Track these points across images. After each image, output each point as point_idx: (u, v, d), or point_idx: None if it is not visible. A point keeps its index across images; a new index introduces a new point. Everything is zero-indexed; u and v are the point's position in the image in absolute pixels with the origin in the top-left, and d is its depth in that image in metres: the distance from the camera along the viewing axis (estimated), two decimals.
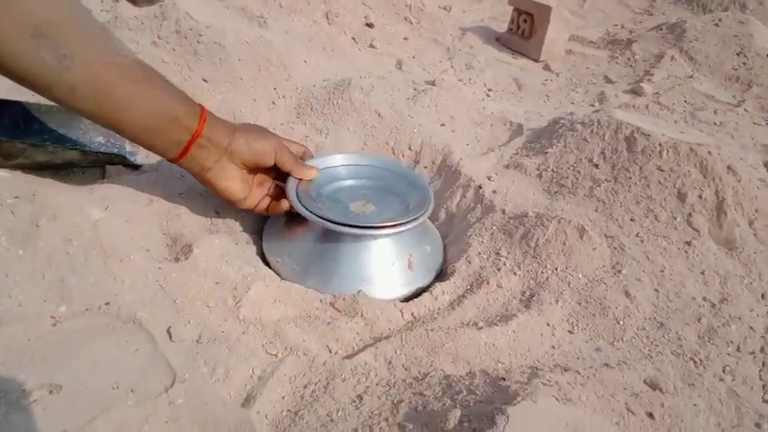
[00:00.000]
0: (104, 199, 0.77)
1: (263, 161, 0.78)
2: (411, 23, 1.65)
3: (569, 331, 0.72)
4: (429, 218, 0.92)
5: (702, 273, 0.78)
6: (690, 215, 0.83)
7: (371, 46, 1.48)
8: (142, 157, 0.90)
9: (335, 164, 0.89)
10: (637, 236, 0.83)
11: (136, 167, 0.88)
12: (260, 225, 0.89)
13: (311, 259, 0.78)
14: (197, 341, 0.64)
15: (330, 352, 0.67)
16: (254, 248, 0.83)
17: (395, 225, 0.76)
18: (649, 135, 0.90)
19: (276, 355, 0.65)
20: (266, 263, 0.81)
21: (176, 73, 1.08)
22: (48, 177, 0.82)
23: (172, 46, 1.12)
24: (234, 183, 0.77)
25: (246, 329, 0.67)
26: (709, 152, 0.86)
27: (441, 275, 0.84)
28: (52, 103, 0.88)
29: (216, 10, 1.31)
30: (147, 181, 0.85)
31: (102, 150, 0.86)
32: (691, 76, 1.37)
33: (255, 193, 0.81)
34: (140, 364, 0.61)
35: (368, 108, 1.07)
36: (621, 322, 0.72)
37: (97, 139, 0.90)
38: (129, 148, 0.91)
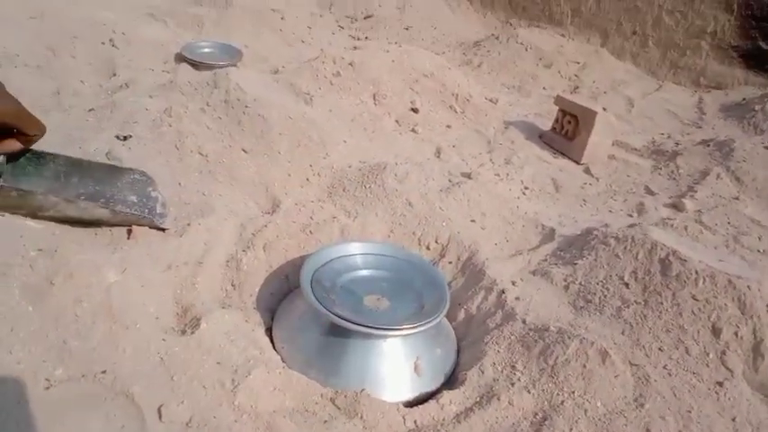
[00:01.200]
0: (123, 261, 0.78)
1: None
2: (456, 112, 1.67)
3: None
4: (447, 316, 0.89)
5: (733, 419, 0.72)
6: (724, 353, 0.78)
7: (413, 131, 1.51)
8: (170, 220, 0.91)
9: (354, 252, 0.88)
10: (664, 368, 0.77)
11: (162, 230, 0.89)
12: (275, 302, 0.88)
13: (317, 351, 0.75)
14: (187, 424, 0.62)
15: None
16: (263, 328, 0.82)
17: (405, 328, 0.74)
18: (686, 260, 0.86)
19: None
20: (274, 346, 0.79)
21: (218, 140, 1.11)
22: (76, 231, 0.83)
23: (218, 114, 1.16)
24: None
25: (239, 418, 0.64)
26: (748, 287, 0.82)
27: (451, 380, 0.80)
28: (95, 159, 0.91)
29: (266, 83, 1.36)
30: (171, 246, 0.85)
31: (132, 211, 0.88)
32: (736, 198, 1.33)
33: None
34: None
35: (399, 195, 1.07)
36: None
37: (130, 198, 0.92)
38: (159, 209, 0.92)
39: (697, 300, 0.82)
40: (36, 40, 1.47)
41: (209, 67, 1.66)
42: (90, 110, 1.17)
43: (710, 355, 0.78)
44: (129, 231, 0.87)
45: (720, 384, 0.76)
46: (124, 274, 0.75)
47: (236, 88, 1.19)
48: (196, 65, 1.69)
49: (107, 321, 0.68)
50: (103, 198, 0.89)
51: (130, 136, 1.07)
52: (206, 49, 1.78)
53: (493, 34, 2.59)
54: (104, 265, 0.74)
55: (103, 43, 1.57)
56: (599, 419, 0.70)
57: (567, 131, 1.58)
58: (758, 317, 0.80)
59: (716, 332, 0.79)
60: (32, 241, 0.76)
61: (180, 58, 1.71)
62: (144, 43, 1.68)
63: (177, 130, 1.10)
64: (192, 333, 0.72)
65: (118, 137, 1.06)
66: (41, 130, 0.80)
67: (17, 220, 0.79)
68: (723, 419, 0.72)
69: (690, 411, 0.72)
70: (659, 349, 0.79)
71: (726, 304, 0.81)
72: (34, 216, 0.81)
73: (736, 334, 0.79)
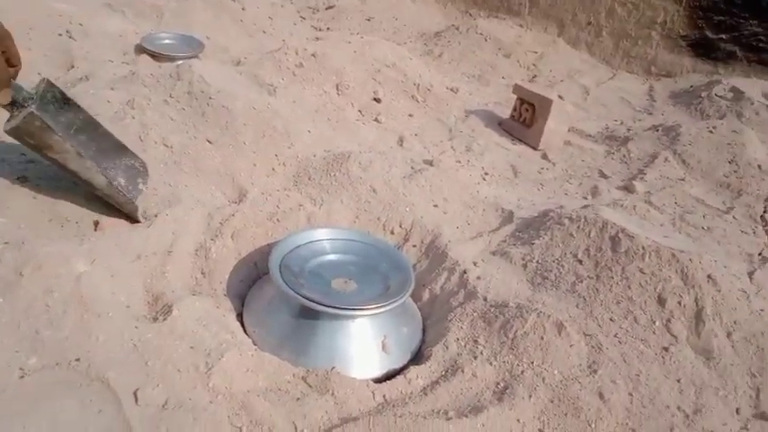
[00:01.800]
0: (92, 252, 0.78)
1: None
2: (417, 101, 1.71)
3: (540, 429, 0.71)
4: (412, 297, 0.93)
5: (678, 381, 0.78)
6: (669, 321, 0.84)
7: (376, 120, 1.53)
8: (140, 214, 0.92)
9: (321, 238, 0.91)
10: (615, 336, 0.83)
11: (136, 222, 0.90)
12: (244, 289, 0.90)
13: (288, 333, 0.78)
14: (163, 406, 0.64)
15: (296, 429, 0.66)
16: (233, 314, 0.84)
17: (372, 308, 0.77)
18: (634, 237, 0.91)
19: (240, 429, 0.64)
20: (245, 330, 0.81)
21: (183, 132, 1.11)
22: (42, 224, 0.84)
23: (182, 106, 1.16)
24: None
25: (214, 399, 0.66)
26: (690, 259, 0.88)
27: (418, 356, 0.84)
28: (109, 129, 0.92)
29: (230, 75, 1.37)
30: (139, 236, 0.86)
31: (124, 192, 0.89)
32: (682, 179, 1.40)
33: None
34: (101, 426, 0.60)
35: (363, 183, 1.10)
36: (593, 425, 0.71)
37: (120, 179, 0.92)
38: (138, 202, 0.92)
39: (644, 273, 0.88)
40: None
41: (170, 58, 1.65)
42: None
43: (657, 324, 0.84)
44: (96, 223, 0.88)
45: (666, 350, 0.81)
46: (93, 264, 0.76)
47: (199, 80, 1.20)
48: (156, 56, 1.67)
49: (78, 310, 0.69)
50: (102, 167, 0.89)
51: None
52: (166, 41, 1.76)
53: (453, 25, 2.63)
54: (73, 256, 0.74)
55: (60, 35, 1.55)
56: (556, 386, 0.75)
57: (524, 119, 1.63)
58: (699, 287, 0.86)
59: (661, 302, 0.85)
60: None
61: (139, 50, 1.70)
62: (102, 35, 1.66)
63: (140, 122, 1.10)
64: (165, 320, 0.73)
65: None
66: (20, 62, 0.86)
67: None
68: (669, 381, 0.78)
69: (639, 375, 0.78)
70: (610, 320, 0.85)
71: (670, 276, 0.87)
72: (39, 151, 0.83)
73: (679, 303, 0.85)
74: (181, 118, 1.13)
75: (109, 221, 0.89)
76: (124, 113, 1.11)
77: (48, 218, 0.86)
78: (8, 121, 0.82)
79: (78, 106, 0.91)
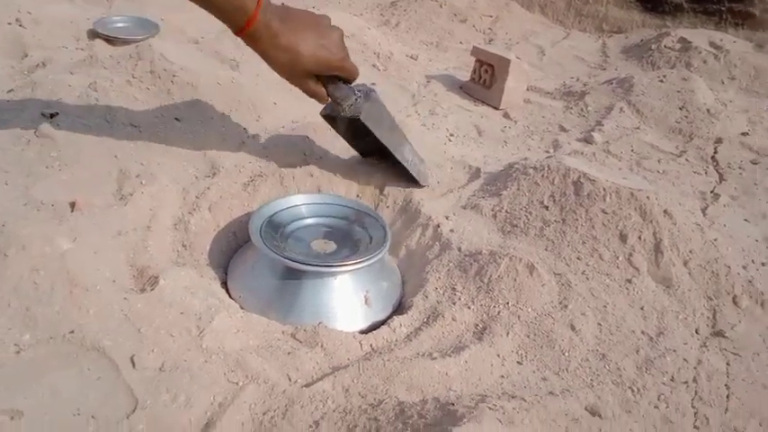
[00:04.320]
0: (73, 231, 0.79)
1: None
2: (379, 70, 1.72)
3: (518, 362, 0.76)
4: (390, 254, 0.97)
5: (642, 308, 0.84)
6: (630, 255, 0.89)
7: None
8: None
9: (298, 203, 0.93)
10: (582, 273, 0.88)
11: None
12: (225, 259, 0.92)
13: (273, 295, 0.81)
14: (160, 369, 0.66)
15: (290, 380, 0.69)
16: (218, 282, 0.86)
17: (352, 263, 0.81)
18: (594, 180, 0.97)
19: (237, 384, 0.67)
20: (231, 297, 0.84)
21: (149, 111, 1.11)
22: (18, 208, 0.84)
23: (146, 85, 1.16)
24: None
25: (209, 358, 0.69)
26: (647, 197, 0.94)
27: (399, 309, 0.88)
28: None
29: (191, 53, 1.36)
30: (117, 215, 0.87)
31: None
32: (637, 128, 1.47)
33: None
34: (102, 391, 0.63)
35: (335, 149, 1.12)
36: (567, 354, 0.76)
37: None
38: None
39: (606, 213, 0.93)
40: None
41: (126, 41, 1.62)
42: (9, 91, 1.14)
43: (620, 258, 0.89)
44: (73, 204, 0.88)
45: (629, 281, 0.87)
46: (75, 242, 0.77)
47: (160, 59, 1.19)
48: (111, 40, 1.64)
49: (67, 286, 0.71)
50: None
51: (57, 113, 1.06)
52: (120, 24, 1.73)
53: None
54: (55, 236, 0.75)
55: (10, 24, 1.51)
56: (531, 322, 0.80)
57: (484, 80, 1.67)
58: (657, 222, 0.92)
59: (623, 238, 0.91)
60: None
61: (93, 35, 1.66)
62: (52, 21, 1.62)
63: (105, 104, 1.10)
64: (152, 290, 0.75)
65: (44, 114, 1.05)
66: None
67: None
68: (633, 309, 0.84)
69: (606, 306, 0.83)
70: (577, 258, 0.90)
71: (629, 213, 0.92)
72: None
73: (639, 238, 0.90)
74: (146, 97, 1.13)
75: (84, 202, 0.90)
76: (87, 96, 1.10)
77: (22, 203, 0.86)
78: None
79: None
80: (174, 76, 1.17)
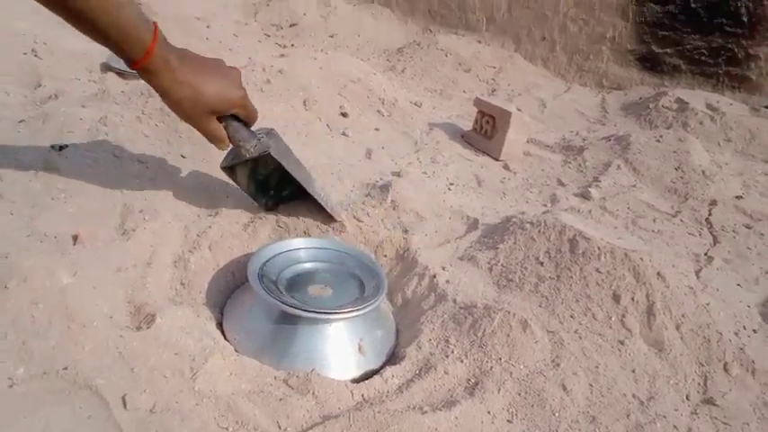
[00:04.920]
0: (74, 264, 0.80)
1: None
2: (383, 115, 1.76)
3: (508, 420, 0.76)
4: (385, 301, 0.97)
5: (633, 371, 0.85)
6: (623, 316, 0.90)
7: (344, 134, 1.58)
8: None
9: (297, 247, 0.95)
10: (575, 332, 0.89)
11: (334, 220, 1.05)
12: (223, 299, 0.93)
13: (268, 339, 0.81)
14: (151, 410, 0.66)
15: (280, 428, 0.69)
16: (214, 322, 0.87)
17: (347, 312, 0.81)
18: (590, 239, 0.98)
19: (227, 429, 0.67)
20: (225, 337, 0.84)
21: (157, 148, 1.14)
22: (21, 238, 0.85)
23: (155, 122, 1.19)
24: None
25: (200, 401, 0.69)
26: (641, 258, 0.95)
27: (393, 358, 0.88)
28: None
29: None
30: (118, 249, 0.88)
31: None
32: (634, 186, 1.50)
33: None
34: (93, 430, 0.63)
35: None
36: (557, 414, 0.77)
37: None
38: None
39: (600, 272, 0.94)
40: None
41: (137, 76, 1.66)
42: (21, 121, 1.16)
43: (613, 319, 0.90)
44: (75, 237, 0.89)
45: (622, 343, 0.88)
46: (76, 276, 0.78)
47: None
48: (123, 74, 1.68)
49: (64, 321, 0.71)
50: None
51: (66, 146, 1.08)
52: None
53: (414, 41, 2.71)
54: (56, 269, 0.76)
55: (25, 54, 1.55)
56: (523, 379, 0.80)
57: (486, 131, 1.71)
58: (650, 284, 0.93)
59: (616, 299, 0.92)
60: None
61: (105, 68, 1.70)
62: (67, 53, 1.66)
63: (114, 139, 1.12)
64: (148, 328, 0.76)
65: (53, 147, 1.07)
66: None
67: None
68: (625, 372, 0.84)
69: (597, 367, 0.84)
70: (571, 317, 0.91)
71: (623, 274, 0.94)
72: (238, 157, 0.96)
73: (632, 299, 0.92)
74: (154, 134, 1.16)
75: (87, 235, 0.91)
76: (97, 131, 1.13)
77: (26, 233, 0.87)
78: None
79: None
80: None
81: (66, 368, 0.67)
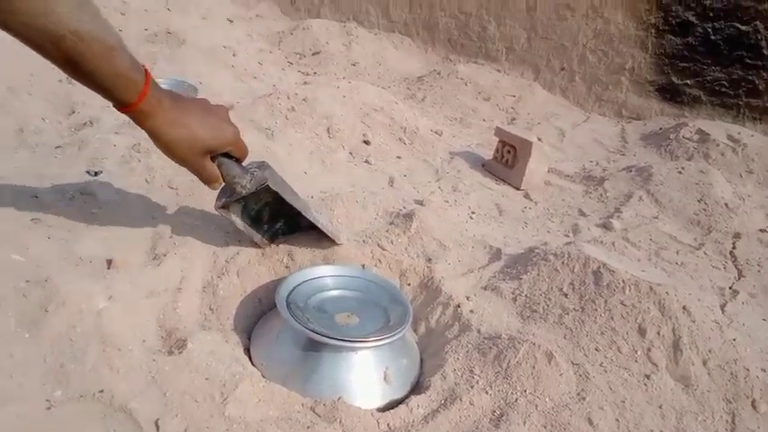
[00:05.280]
0: (109, 289, 0.83)
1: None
2: (405, 144, 1.79)
3: None
4: (409, 330, 0.98)
5: (660, 407, 0.84)
6: (649, 350, 0.90)
7: (367, 162, 1.61)
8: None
9: (324, 274, 0.96)
10: (601, 365, 0.89)
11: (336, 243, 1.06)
12: (250, 325, 0.94)
13: (295, 365, 0.82)
14: None
15: None
16: (241, 348, 0.88)
17: (374, 340, 0.82)
18: (614, 271, 0.99)
19: None
20: (252, 362, 0.85)
21: (187, 174, 1.16)
22: (58, 262, 0.87)
23: None
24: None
25: (230, 427, 0.70)
26: (667, 292, 0.95)
27: (417, 387, 0.89)
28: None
29: None
30: (150, 275, 0.90)
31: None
32: (656, 217, 1.50)
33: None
34: None
35: (361, 222, 1.16)
36: None
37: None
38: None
39: (625, 305, 0.95)
40: None
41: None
42: (57, 147, 1.20)
43: (638, 353, 0.90)
44: (110, 262, 0.92)
45: (648, 377, 0.88)
46: (111, 300, 0.80)
47: None
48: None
49: (100, 345, 0.73)
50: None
51: (101, 172, 1.11)
52: (163, 86, 1.81)
53: (434, 70, 2.75)
54: (93, 294, 0.79)
55: (60, 81, 1.60)
56: (548, 412, 0.80)
57: (507, 160, 1.72)
58: (676, 318, 0.93)
59: (642, 332, 0.92)
60: (19, 273, 0.80)
61: None
62: None
63: (146, 165, 1.15)
64: (180, 353, 0.77)
65: (89, 172, 1.10)
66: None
67: (3, 255, 0.83)
68: (651, 407, 0.84)
69: (624, 402, 0.83)
70: (596, 349, 0.91)
71: (649, 307, 0.94)
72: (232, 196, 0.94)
73: (658, 333, 0.91)
74: None
75: (120, 260, 0.93)
76: (130, 157, 1.16)
77: (62, 257, 0.89)
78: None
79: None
80: None
81: (101, 391, 0.69)
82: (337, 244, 1.07)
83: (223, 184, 0.92)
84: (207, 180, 0.88)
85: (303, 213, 0.99)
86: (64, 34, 0.65)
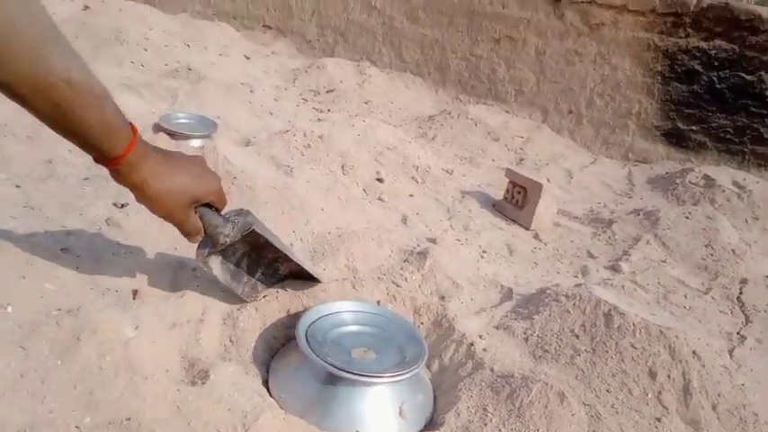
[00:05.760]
0: (136, 319, 0.85)
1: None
2: (417, 182, 1.83)
3: None
4: (423, 367, 1.00)
5: None
6: (660, 393, 0.92)
7: (380, 199, 1.64)
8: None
9: (342, 310, 0.99)
10: (612, 407, 0.90)
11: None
12: (268, 357, 0.97)
13: (312, 399, 0.84)
14: None
15: None
16: (260, 380, 0.90)
17: (392, 375, 0.84)
18: (624, 314, 1.01)
19: None
20: (271, 395, 0.87)
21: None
22: (86, 292, 0.91)
23: None
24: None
25: None
26: (676, 336, 0.97)
27: (431, 423, 0.90)
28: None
29: (249, 156, 1.48)
30: (173, 306, 0.93)
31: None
32: (664, 261, 1.52)
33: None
34: None
35: (377, 260, 1.19)
36: None
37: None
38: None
39: (635, 348, 0.97)
40: (23, 109, 1.54)
41: (186, 137, 1.76)
42: (85, 179, 1.25)
43: (649, 395, 0.92)
44: (135, 292, 0.95)
45: (659, 420, 0.89)
46: (137, 330, 0.83)
47: (224, 161, 1.30)
48: (173, 135, 1.78)
49: (128, 373, 0.76)
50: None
51: (127, 204, 1.15)
52: (182, 120, 1.88)
53: (445, 110, 2.81)
54: (121, 323, 0.81)
55: None
56: None
57: (517, 201, 1.76)
58: (686, 362, 0.95)
59: (652, 375, 0.94)
60: (52, 302, 0.83)
61: (157, 128, 1.81)
62: None
63: None
64: (203, 383, 0.80)
65: (116, 204, 1.14)
66: None
67: (35, 283, 0.86)
68: None
69: None
70: (607, 391, 0.92)
71: (659, 351, 0.96)
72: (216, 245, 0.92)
73: (668, 376, 0.93)
74: None
75: (144, 291, 0.96)
76: None
77: (89, 287, 0.92)
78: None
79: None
80: (234, 178, 1.27)
81: (129, 419, 0.71)
82: (321, 282, 1.07)
83: (203, 236, 0.90)
84: (189, 232, 0.86)
85: (290, 256, 1.00)
86: (55, 82, 0.62)
